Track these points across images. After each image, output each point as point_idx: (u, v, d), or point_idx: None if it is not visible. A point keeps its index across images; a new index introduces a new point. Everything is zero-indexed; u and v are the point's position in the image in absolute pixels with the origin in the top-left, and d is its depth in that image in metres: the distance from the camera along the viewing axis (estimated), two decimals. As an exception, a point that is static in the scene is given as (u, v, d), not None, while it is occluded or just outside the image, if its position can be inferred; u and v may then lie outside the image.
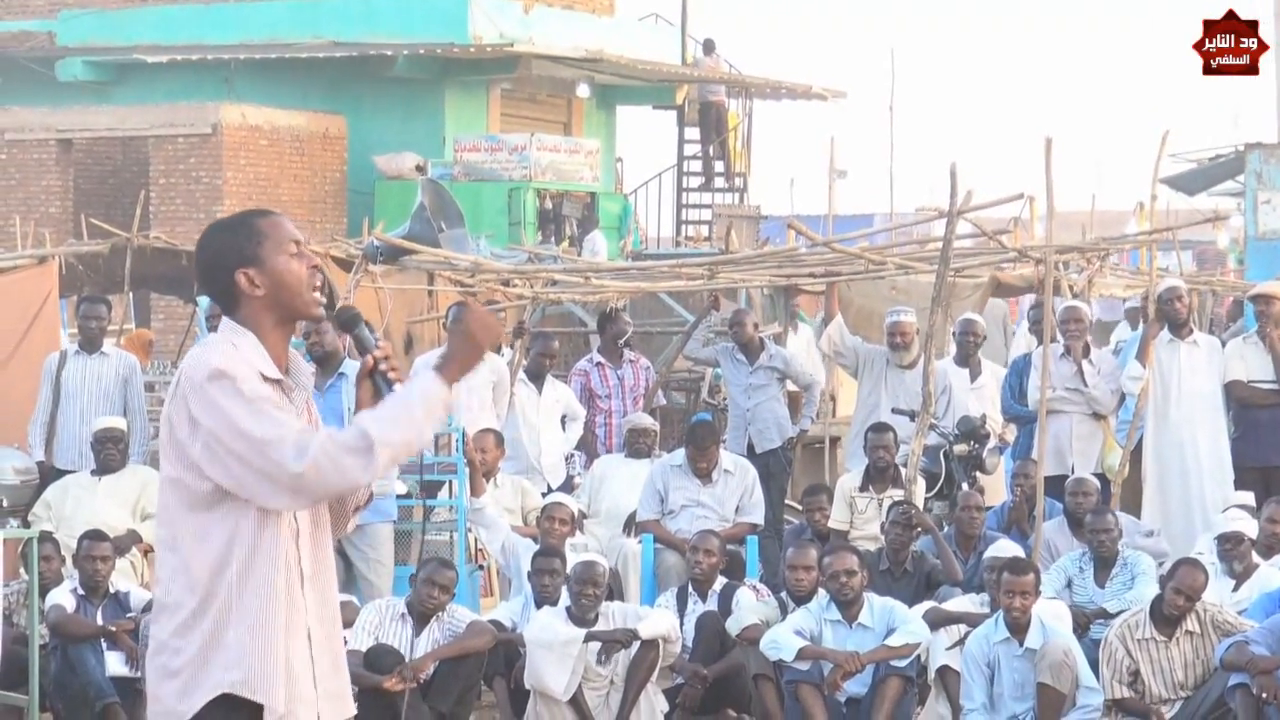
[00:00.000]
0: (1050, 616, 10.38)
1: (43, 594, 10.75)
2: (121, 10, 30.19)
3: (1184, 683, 10.32)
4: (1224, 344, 13.82)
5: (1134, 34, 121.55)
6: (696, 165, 32.95)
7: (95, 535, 11.10)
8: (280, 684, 4.81)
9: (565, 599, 10.69)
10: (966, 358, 14.22)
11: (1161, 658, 10.28)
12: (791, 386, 15.04)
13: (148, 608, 10.82)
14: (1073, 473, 12.84)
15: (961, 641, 10.51)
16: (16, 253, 16.93)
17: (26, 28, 30.63)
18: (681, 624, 11.00)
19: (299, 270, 4.91)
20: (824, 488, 13.26)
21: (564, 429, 14.68)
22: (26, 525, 12.02)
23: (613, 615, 10.65)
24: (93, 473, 12.62)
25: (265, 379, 4.83)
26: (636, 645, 10.53)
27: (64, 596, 10.85)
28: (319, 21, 29.00)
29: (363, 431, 4.70)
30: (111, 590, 10.99)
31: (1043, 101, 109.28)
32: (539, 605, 10.85)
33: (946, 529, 12.12)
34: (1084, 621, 11.00)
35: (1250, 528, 11.44)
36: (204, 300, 15.20)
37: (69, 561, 11.38)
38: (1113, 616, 10.79)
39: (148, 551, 12.31)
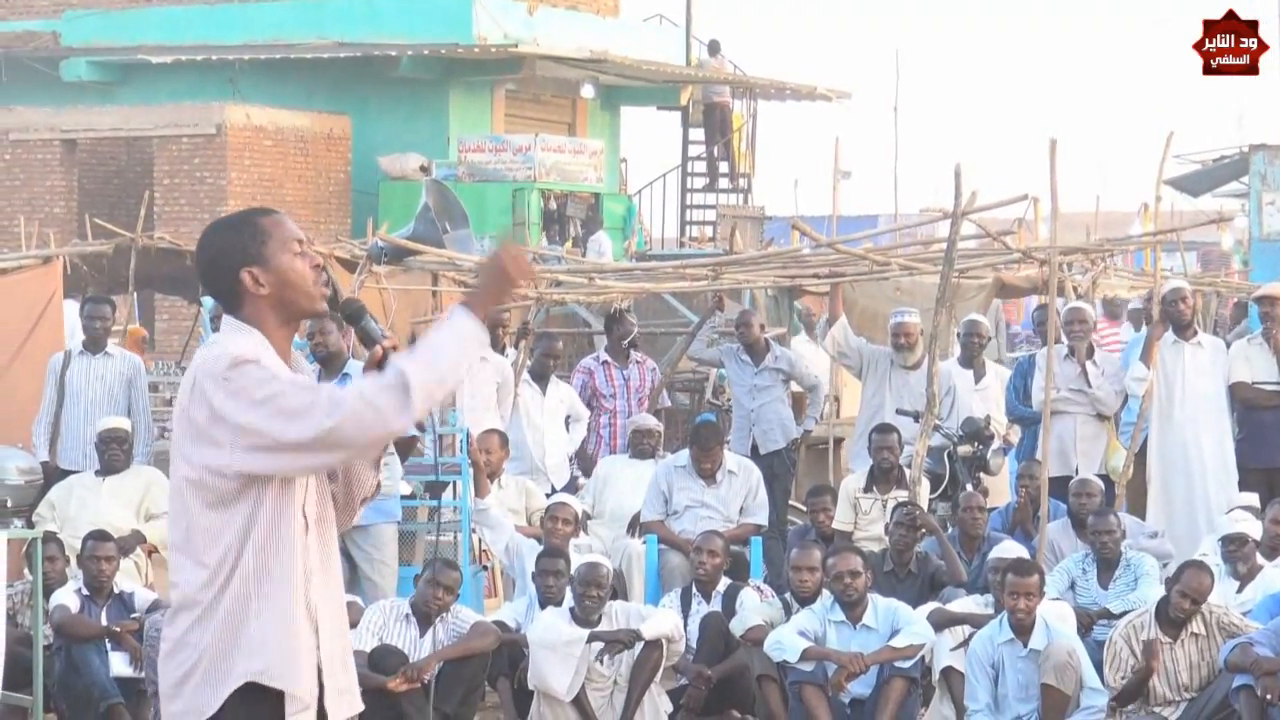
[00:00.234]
0: (1054, 617, 10.38)
1: (47, 594, 10.74)
2: (126, 10, 30.22)
3: (1189, 684, 10.31)
4: (1228, 345, 13.81)
5: (1139, 35, 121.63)
6: (701, 166, 32.96)
7: (99, 536, 11.10)
8: (303, 671, 4.80)
9: (569, 600, 10.69)
10: (971, 359, 14.22)
11: (1166, 659, 10.27)
12: (795, 387, 15.04)
13: (152, 608, 10.84)
14: (1077, 474, 12.84)
15: (966, 642, 10.51)
16: (21, 253, 16.96)
17: (31, 28, 30.65)
18: (685, 624, 10.99)
19: (303, 269, 4.91)
20: (828, 489, 13.26)
21: (568, 430, 14.68)
22: (31, 526, 12.03)
23: (616, 615, 10.65)
24: (97, 473, 12.63)
25: None
26: (640, 646, 10.53)
27: (68, 597, 10.85)
28: (323, 22, 29.01)
29: (398, 370, 4.64)
30: (116, 591, 10.99)
31: (1047, 102, 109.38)
32: (543, 606, 10.85)
33: (950, 530, 12.12)
34: (1087, 622, 10.99)
35: (1254, 529, 11.44)
36: (208, 301, 15.21)
37: (73, 562, 11.39)
38: (1116, 617, 10.79)
39: (152, 552, 12.32)
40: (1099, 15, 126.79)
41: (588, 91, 30.79)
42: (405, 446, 11.03)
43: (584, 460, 14.96)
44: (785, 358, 14.84)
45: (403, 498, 11.87)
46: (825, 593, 10.63)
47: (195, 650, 4.77)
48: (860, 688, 10.37)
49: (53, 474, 13.12)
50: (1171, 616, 10.28)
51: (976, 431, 13.07)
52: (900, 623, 10.42)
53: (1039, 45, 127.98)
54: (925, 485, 12.61)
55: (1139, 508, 13.20)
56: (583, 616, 10.54)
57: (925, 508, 12.20)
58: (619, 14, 32.87)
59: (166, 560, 11.99)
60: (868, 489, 12.80)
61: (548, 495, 13.08)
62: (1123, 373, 13.40)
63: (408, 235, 15.20)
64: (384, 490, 9.51)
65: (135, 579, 11.74)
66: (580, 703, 10.44)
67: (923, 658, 10.48)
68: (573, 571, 10.75)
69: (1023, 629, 10.22)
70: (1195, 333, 13.52)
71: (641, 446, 13.70)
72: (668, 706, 10.75)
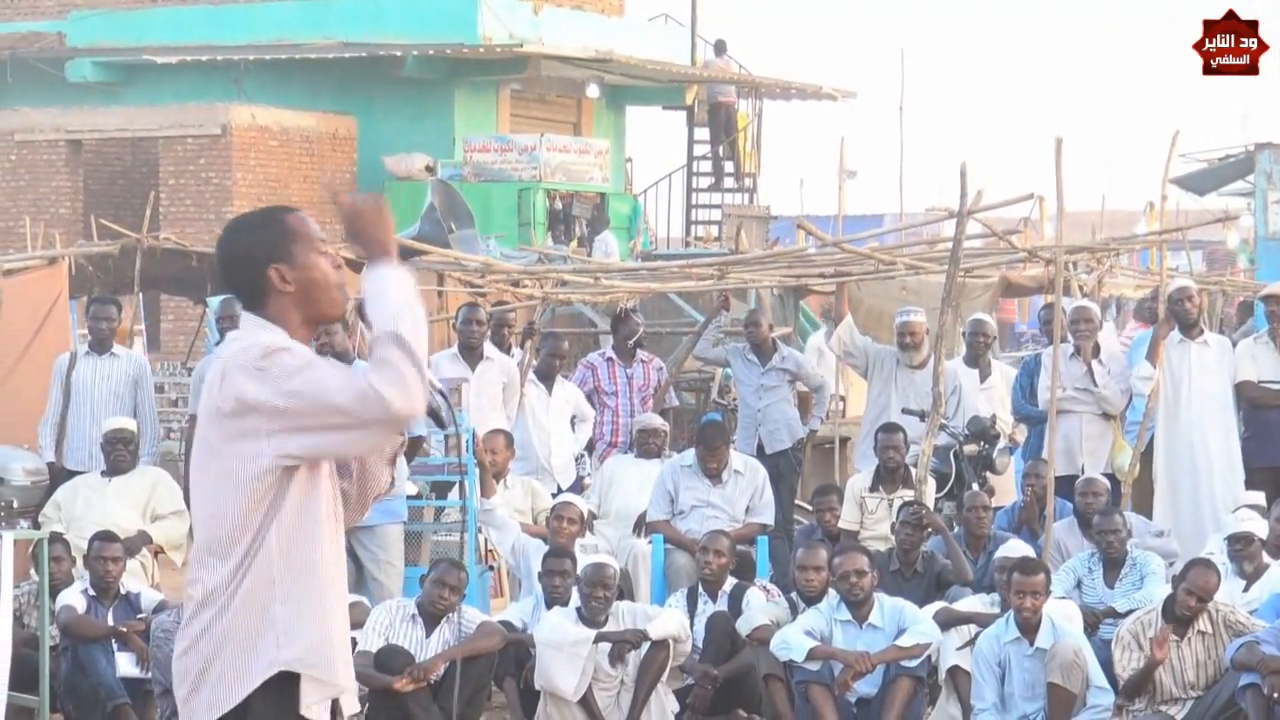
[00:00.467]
0: (1061, 616, 10.38)
1: (53, 595, 10.76)
2: (131, 11, 30.24)
3: (1195, 682, 10.31)
4: (1234, 344, 13.81)
5: (1144, 34, 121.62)
6: (706, 165, 32.95)
7: (106, 536, 11.10)
8: (338, 658, 4.75)
9: (575, 600, 10.69)
10: (976, 358, 14.21)
11: (1173, 657, 10.27)
12: (801, 387, 15.04)
13: (158, 608, 10.85)
14: (1083, 473, 12.84)
15: (972, 642, 10.51)
16: (27, 254, 16.95)
17: (36, 28, 30.67)
18: (691, 624, 10.99)
19: (327, 268, 4.92)
20: (834, 488, 13.26)
21: (574, 429, 14.67)
22: (37, 526, 12.02)
23: (623, 615, 10.64)
24: (103, 474, 12.63)
25: None
26: (646, 645, 10.53)
27: (74, 597, 10.86)
28: (328, 22, 29.03)
29: (376, 335, 4.65)
30: (122, 591, 11.00)
31: (1052, 102, 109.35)
32: (549, 606, 10.85)
33: (956, 529, 12.12)
34: (1094, 621, 11.00)
35: (1260, 528, 11.43)
36: (213, 301, 15.21)
37: (79, 562, 11.39)
38: (1122, 616, 10.79)
39: (158, 552, 12.33)
40: (1104, 14, 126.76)
41: (593, 91, 30.80)
42: (412, 446, 11.03)
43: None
44: (792, 358, 14.84)
45: (409, 498, 11.87)
46: (831, 592, 10.63)
47: (219, 639, 4.68)
48: (866, 687, 10.38)
49: (59, 475, 13.12)
50: (1178, 615, 10.28)
51: (982, 430, 13.06)
52: (906, 622, 10.42)
53: (1044, 45, 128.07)
54: (931, 484, 12.60)
55: (1145, 507, 13.20)
56: (589, 616, 10.54)
57: (931, 507, 12.19)
58: (624, 13, 32.88)
59: (182, 559, 12.06)
60: (874, 488, 12.80)
61: (553, 495, 13.07)
62: (1128, 372, 13.40)
63: (413, 235, 15.23)
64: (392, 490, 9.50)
65: (141, 579, 11.75)
66: (587, 703, 10.44)
67: (929, 657, 10.48)
68: (579, 571, 10.75)
69: (1029, 628, 10.21)
70: (1201, 331, 13.51)
71: (647, 446, 13.69)
72: (674, 706, 10.75)
